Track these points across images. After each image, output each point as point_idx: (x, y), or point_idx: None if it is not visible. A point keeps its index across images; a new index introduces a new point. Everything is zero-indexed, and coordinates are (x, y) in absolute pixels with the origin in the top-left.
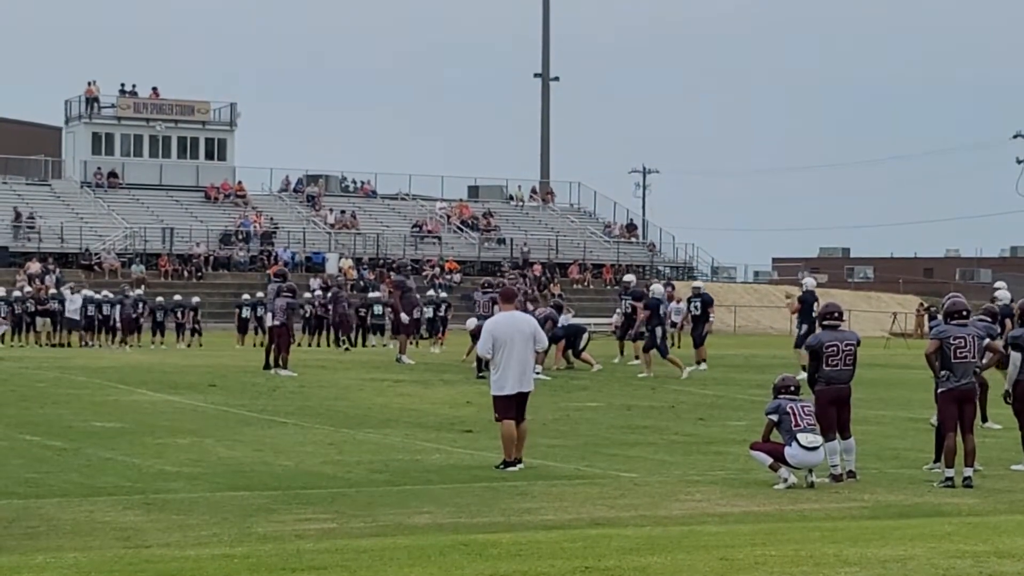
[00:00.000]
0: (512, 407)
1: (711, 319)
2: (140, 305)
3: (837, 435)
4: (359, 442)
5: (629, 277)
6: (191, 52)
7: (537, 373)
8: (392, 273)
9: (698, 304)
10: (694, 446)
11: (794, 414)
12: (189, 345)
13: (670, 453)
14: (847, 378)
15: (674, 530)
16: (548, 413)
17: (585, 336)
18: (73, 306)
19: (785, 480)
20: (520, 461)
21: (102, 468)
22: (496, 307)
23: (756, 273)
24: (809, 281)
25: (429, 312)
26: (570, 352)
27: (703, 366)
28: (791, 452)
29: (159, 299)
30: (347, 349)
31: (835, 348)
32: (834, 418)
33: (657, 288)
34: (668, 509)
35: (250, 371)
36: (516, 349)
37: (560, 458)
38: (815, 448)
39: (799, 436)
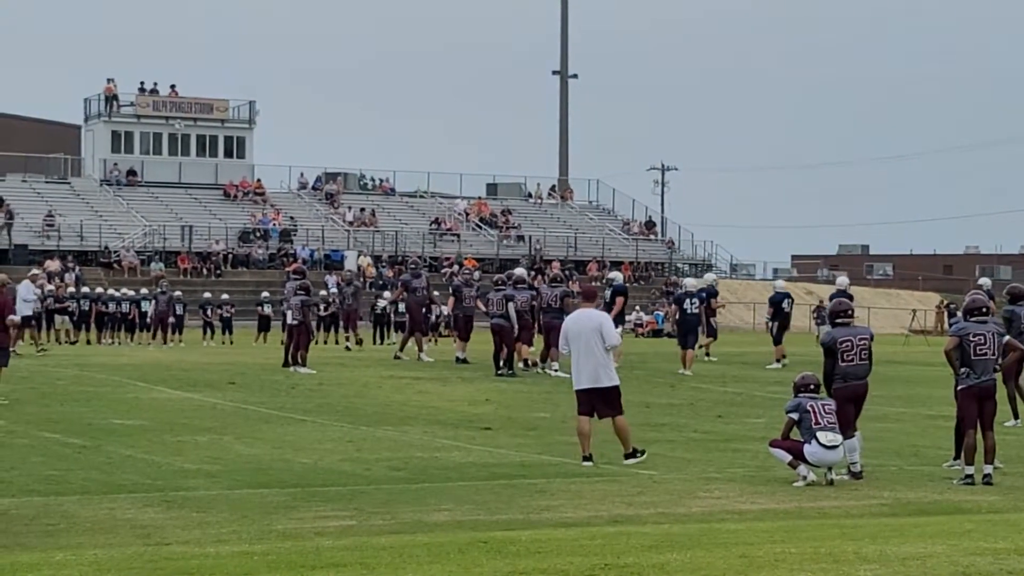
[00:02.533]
0: (587, 403)
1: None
2: (173, 303)
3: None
4: (378, 439)
5: (615, 274)
6: (210, 50)
7: (556, 371)
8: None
9: (789, 303)
10: (713, 443)
11: (814, 412)
12: (223, 343)
13: (689, 450)
14: (864, 373)
15: (693, 527)
16: (567, 410)
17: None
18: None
19: (804, 477)
20: (638, 453)
21: (122, 465)
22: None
23: (775, 270)
24: (843, 280)
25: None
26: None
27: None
28: (811, 450)
29: (177, 294)
30: (347, 348)
31: (849, 343)
32: (852, 415)
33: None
34: (687, 506)
35: (269, 369)
36: (583, 345)
37: (578, 455)
38: (835, 447)
39: (819, 434)
